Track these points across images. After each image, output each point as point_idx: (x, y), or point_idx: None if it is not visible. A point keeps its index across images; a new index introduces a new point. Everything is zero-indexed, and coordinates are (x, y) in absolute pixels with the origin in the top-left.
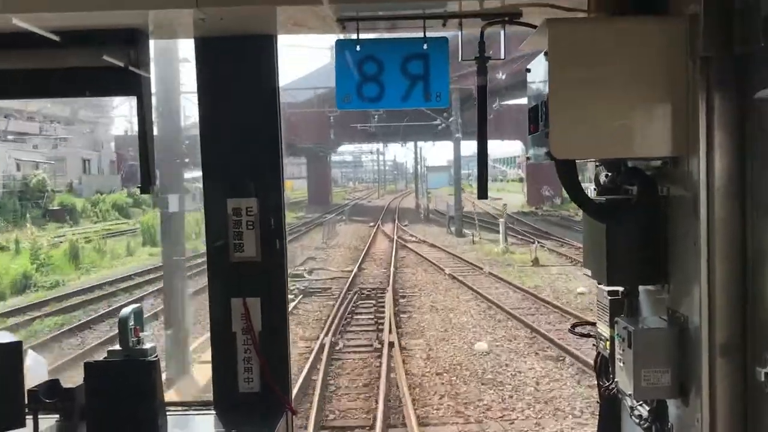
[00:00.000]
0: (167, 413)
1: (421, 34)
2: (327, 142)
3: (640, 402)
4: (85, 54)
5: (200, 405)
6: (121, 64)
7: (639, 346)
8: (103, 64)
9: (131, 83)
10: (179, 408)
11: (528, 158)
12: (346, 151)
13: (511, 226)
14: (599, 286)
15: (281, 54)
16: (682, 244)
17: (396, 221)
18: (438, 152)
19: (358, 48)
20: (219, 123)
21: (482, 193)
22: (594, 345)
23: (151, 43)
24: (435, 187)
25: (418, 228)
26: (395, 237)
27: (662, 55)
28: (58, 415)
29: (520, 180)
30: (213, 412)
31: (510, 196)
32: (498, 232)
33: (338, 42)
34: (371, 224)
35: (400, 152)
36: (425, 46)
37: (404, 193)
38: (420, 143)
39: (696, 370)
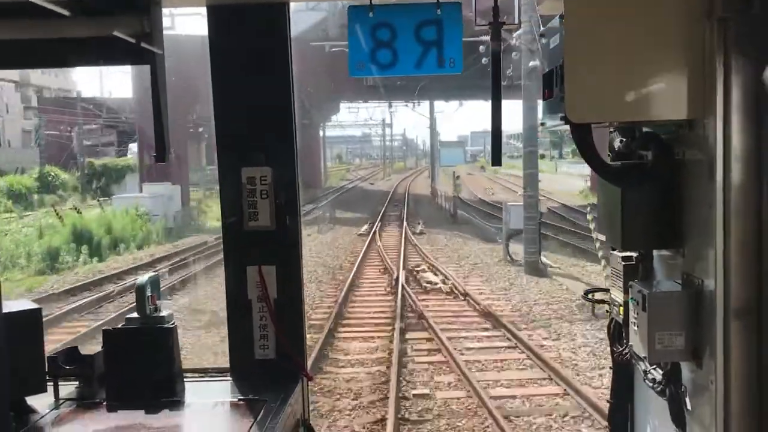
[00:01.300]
0: (185, 379)
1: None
2: (311, 104)
3: (654, 365)
4: (97, 23)
5: (217, 371)
6: (134, 34)
7: (653, 309)
8: (115, 33)
9: (144, 52)
10: (196, 374)
11: (542, 124)
12: (347, 122)
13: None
14: (613, 252)
15: None
16: (697, 208)
17: (404, 223)
18: (449, 127)
19: (371, 14)
20: (231, 92)
21: (496, 161)
22: (607, 311)
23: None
24: (449, 165)
25: (443, 241)
26: (400, 272)
27: (679, 16)
28: (77, 382)
29: (541, 156)
30: (229, 378)
31: (545, 176)
32: (595, 256)
33: (351, 8)
34: (363, 230)
35: (409, 125)
36: (438, 12)
37: (415, 172)
38: (437, 106)
39: (710, 333)
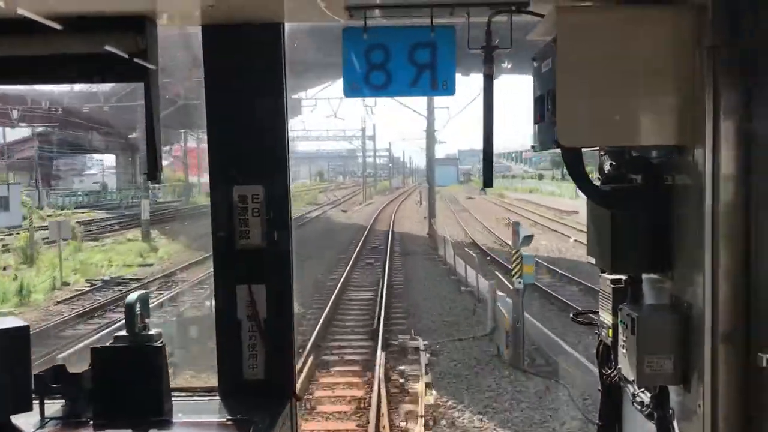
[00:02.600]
0: (173, 398)
1: (428, 22)
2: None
3: (642, 389)
4: (93, 40)
5: (205, 390)
6: (129, 51)
7: (642, 332)
8: (110, 50)
9: (138, 70)
10: (184, 393)
11: (533, 147)
12: (316, 130)
13: None
14: (602, 274)
15: None
16: (686, 233)
17: (378, 356)
18: (442, 135)
19: (365, 36)
20: (226, 111)
21: (488, 182)
22: (596, 333)
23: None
24: (441, 185)
25: None
26: None
27: (670, 44)
28: (64, 400)
29: (540, 177)
30: (218, 397)
31: (566, 203)
32: None
33: (345, 30)
34: None
35: (395, 140)
36: (432, 35)
37: (402, 193)
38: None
39: (698, 357)
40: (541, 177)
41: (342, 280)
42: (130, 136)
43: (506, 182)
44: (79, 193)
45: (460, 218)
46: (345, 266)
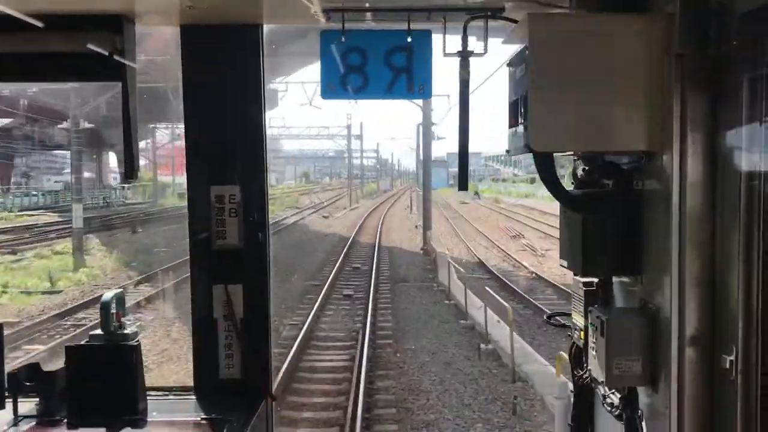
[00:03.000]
0: (148, 397)
1: (405, 26)
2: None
3: (612, 390)
4: (70, 39)
5: (181, 390)
6: (106, 51)
7: (611, 335)
8: (87, 49)
9: (116, 69)
10: (160, 392)
11: (508, 151)
12: (297, 127)
13: None
14: (575, 276)
15: None
16: (654, 237)
17: None
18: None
19: (343, 39)
20: (203, 111)
21: (463, 185)
22: (569, 335)
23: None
24: (432, 188)
25: None
26: None
27: (640, 51)
28: (38, 399)
29: (531, 181)
30: (193, 397)
31: None
32: None
33: (323, 32)
34: None
35: (383, 139)
36: (409, 39)
37: (391, 196)
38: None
39: (666, 359)
40: (533, 180)
41: (304, 330)
42: (59, 126)
43: (499, 186)
44: (34, 193)
45: (456, 227)
46: (313, 302)
